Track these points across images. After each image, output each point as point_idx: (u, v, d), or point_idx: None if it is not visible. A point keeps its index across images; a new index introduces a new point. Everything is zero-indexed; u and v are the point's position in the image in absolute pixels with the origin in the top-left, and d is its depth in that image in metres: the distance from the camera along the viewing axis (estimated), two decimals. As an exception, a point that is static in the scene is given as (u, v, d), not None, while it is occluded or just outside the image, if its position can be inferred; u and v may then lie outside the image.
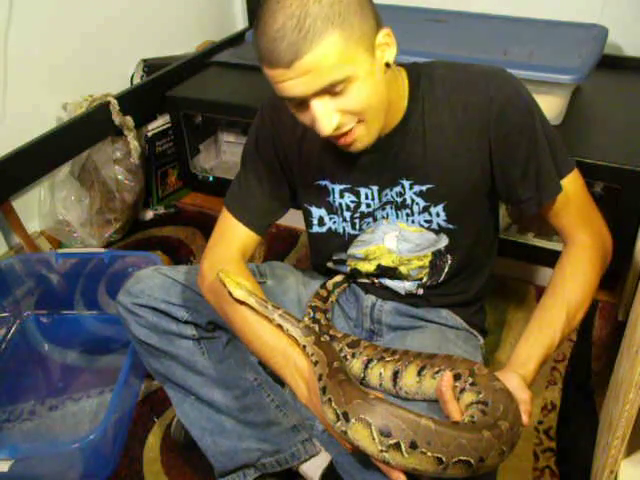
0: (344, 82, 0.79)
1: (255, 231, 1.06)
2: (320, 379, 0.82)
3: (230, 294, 0.92)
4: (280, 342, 0.91)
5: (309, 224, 1.09)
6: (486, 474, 0.77)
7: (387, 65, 0.85)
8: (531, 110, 0.93)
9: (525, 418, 0.80)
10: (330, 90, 0.80)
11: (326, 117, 0.82)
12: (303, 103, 0.83)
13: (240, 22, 2.44)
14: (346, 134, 0.86)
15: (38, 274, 1.62)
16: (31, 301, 1.64)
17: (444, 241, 1.02)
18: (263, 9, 0.78)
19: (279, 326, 0.92)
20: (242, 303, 0.93)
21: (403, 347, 0.96)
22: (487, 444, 0.72)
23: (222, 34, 2.30)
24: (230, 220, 1.05)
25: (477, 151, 0.94)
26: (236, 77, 2.05)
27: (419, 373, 0.89)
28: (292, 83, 0.79)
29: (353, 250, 1.07)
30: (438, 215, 0.99)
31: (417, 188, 0.98)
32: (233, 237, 1.05)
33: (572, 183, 0.97)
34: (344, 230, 1.06)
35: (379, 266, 1.07)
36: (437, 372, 0.87)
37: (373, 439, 0.73)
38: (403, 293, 1.08)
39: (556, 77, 1.48)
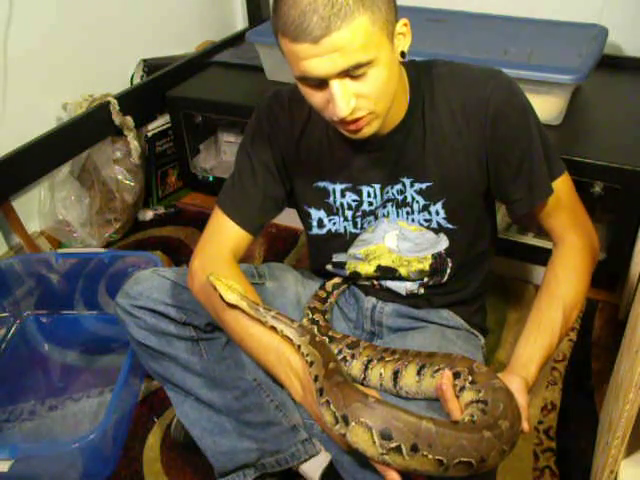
0: (367, 65, 0.79)
1: (248, 231, 1.05)
2: (316, 380, 0.82)
3: (222, 298, 0.91)
4: (273, 340, 0.91)
5: (308, 226, 1.09)
6: (486, 473, 0.77)
7: (402, 55, 0.86)
8: (527, 112, 0.94)
9: (525, 425, 0.80)
10: (352, 72, 0.79)
11: (345, 99, 0.81)
12: (321, 83, 0.82)
13: (240, 22, 2.44)
14: (358, 120, 0.85)
15: (38, 274, 1.61)
16: (31, 301, 1.64)
17: (444, 243, 1.02)
18: None
19: (272, 328, 0.91)
20: (234, 307, 0.92)
21: (403, 347, 0.96)
22: (488, 444, 0.72)
23: (222, 34, 2.30)
24: (223, 219, 1.04)
25: (474, 150, 0.94)
26: (236, 77, 2.05)
27: (419, 372, 0.89)
28: (317, 61, 0.77)
29: (353, 250, 1.07)
30: (437, 213, 0.99)
31: (417, 186, 0.98)
32: (225, 236, 1.04)
33: (563, 185, 0.98)
34: (345, 230, 1.06)
35: (379, 267, 1.06)
36: (436, 371, 0.87)
37: (374, 442, 0.72)
38: (404, 293, 1.08)
39: (556, 77, 1.48)
